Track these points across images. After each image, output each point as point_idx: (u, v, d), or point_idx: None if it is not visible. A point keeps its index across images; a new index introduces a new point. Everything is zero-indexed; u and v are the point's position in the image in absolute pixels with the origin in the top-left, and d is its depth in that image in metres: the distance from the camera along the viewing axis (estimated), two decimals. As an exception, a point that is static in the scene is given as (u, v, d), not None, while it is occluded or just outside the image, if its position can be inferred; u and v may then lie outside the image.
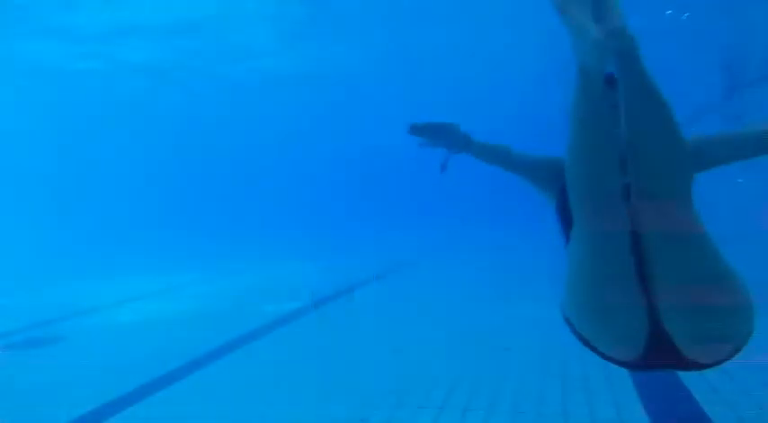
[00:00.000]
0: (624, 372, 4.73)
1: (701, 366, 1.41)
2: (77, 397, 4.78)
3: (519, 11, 12.60)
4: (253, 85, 20.78)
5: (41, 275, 14.77)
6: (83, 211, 28.97)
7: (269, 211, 34.30)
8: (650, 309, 1.31)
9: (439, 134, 2.19)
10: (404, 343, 6.07)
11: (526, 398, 4.24)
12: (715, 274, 1.33)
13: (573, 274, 1.43)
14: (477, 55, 16.63)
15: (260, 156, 34.07)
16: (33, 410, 4.54)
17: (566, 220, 1.64)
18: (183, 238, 25.27)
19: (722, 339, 1.36)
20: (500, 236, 21.39)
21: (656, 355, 1.36)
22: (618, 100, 1.32)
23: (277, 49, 16.93)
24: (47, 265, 17.22)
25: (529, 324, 6.66)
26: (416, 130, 2.19)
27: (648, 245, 1.29)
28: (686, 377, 4.49)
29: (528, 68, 16.90)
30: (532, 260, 13.64)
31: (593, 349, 1.48)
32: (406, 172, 37.06)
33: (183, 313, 8.56)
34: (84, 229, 26.81)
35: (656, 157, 1.31)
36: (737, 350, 1.42)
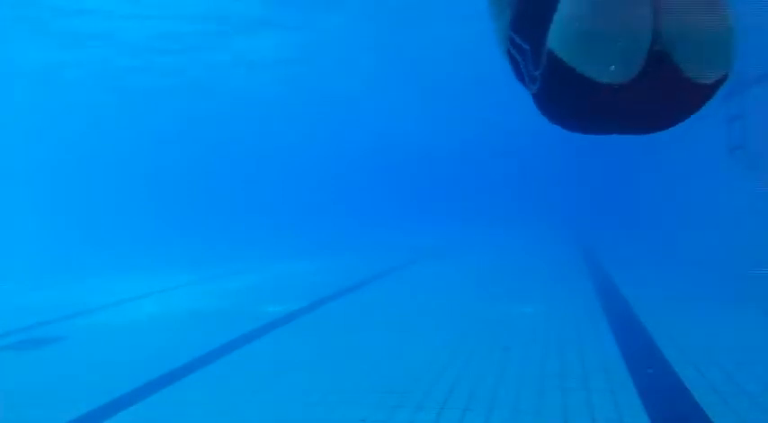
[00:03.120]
0: (624, 372, 4.73)
1: (694, 90, 1.38)
2: (77, 397, 4.78)
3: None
4: (252, 84, 20.79)
5: (41, 276, 14.78)
6: (83, 211, 28.97)
7: (269, 210, 34.29)
8: (654, 27, 1.28)
9: None
10: (404, 343, 6.07)
11: (526, 398, 4.24)
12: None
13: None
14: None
15: (260, 156, 34.08)
16: (33, 410, 4.54)
17: None
18: (182, 237, 25.27)
19: (717, 59, 1.34)
20: (500, 236, 21.39)
21: (651, 77, 1.32)
22: None
23: (277, 47, 16.93)
24: (47, 266, 17.22)
25: (528, 323, 6.67)
26: None
27: None
28: (686, 377, 4.49)
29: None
30: (532, 260, 13.65)
31: (577, 80, 1.37)
32: (407, 172, 37.09)
33: (182, 313, 8.56)
34: (84, 229, 26.82)
35: None
36: (726, 76, 1.39)
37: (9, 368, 6.05)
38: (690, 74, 1.32)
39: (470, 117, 25.80)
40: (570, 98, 1.42)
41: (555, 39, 1.36)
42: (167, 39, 15.67)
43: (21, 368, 5.99)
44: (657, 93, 1.36)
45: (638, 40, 1.28)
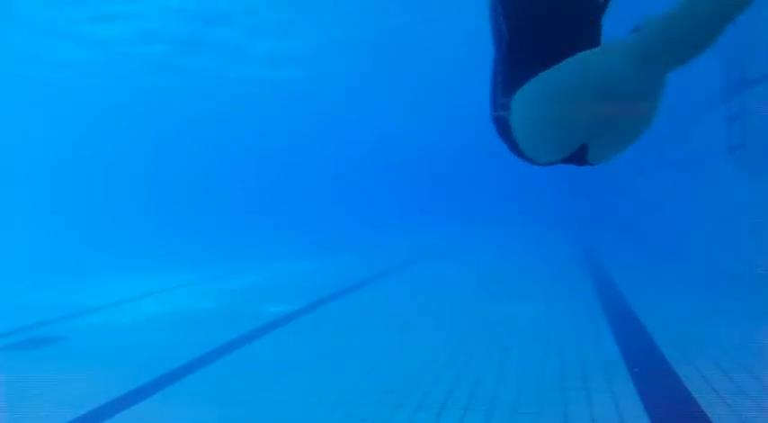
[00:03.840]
0: (624, 372, 4.73)
1: (589, 166, 1.73)
2: (77, 397, 4.78)
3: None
4: (252, 85, 20.78)
5: (41, 276, 14.78)
6: (83, 211, 28.97)
7: (269, 211, 34.29)
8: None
9: None
10: (404, 343, 6.07)
11: (526, 398, 4.23)
12: (652, 115, 1.51)
13: (545, 90, 1.49)
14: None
15: (260, 156, 34.07)
16: (33, 410, 4.54)
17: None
18: (182, 238, 25.28)
19: (616, 157, 1.67)
20: (500, 236, 21.40)
21: (565, 161, 1.65)
22: None
23: (278, 48, 16.94)
24: (47, 266, 17.22)
25: (528, 323, 6.67)
26: None
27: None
28: (686, 377, 4.49)
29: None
30: (532, 260, 13.65)
31: (516, 152, 1.67)
32: (407, 173, 37.07)
33: (182, 313, 8.56)
34: (84, 229, 26.83)
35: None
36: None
37: (9, 368, 6.05)
38: (592, 162, 1.66)
39: (470, 117, 25.77)
40: (510, 149, 1.74)
41: (517, 113, 1.58)
42: (167, 38, 15.69)
43: (21, 368, 5.99)
44: (566, 165, 1.72)
45: (568, 151, 1.58)
